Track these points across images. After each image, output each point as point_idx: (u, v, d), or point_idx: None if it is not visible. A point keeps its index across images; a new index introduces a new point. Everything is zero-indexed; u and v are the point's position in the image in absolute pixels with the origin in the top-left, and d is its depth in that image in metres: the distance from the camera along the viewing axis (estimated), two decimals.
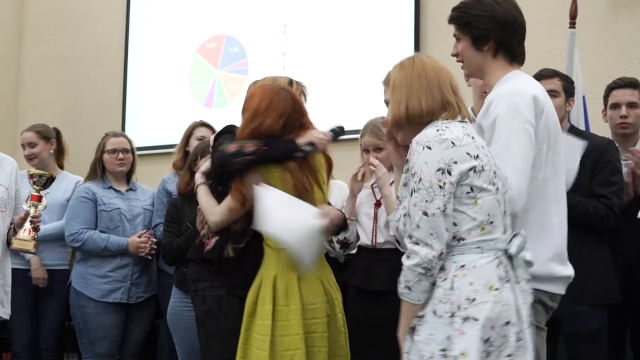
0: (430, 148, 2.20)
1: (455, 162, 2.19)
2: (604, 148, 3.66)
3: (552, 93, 3.55)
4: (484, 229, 2.20)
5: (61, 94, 7.46)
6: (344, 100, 6.12)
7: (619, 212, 3.55)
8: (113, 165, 4.71)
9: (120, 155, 4.72)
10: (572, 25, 4.79)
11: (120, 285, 4.56)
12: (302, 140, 2.95)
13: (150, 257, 4.60)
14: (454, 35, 2.69)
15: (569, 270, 2.62)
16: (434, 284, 2.20)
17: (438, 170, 2.18)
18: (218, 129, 5.05)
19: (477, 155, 2.23)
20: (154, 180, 4.95)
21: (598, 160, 3.59)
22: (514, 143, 2.40)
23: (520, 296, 2.21)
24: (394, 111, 2.37)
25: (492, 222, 2.21)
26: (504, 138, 2.40)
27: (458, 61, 2.72)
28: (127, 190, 4.78)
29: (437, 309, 2.17)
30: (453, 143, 2.21)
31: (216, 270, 3.16)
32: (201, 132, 4.82)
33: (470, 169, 2.19)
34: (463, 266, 2.18)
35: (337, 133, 3.20)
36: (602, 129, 4.38)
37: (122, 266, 4.58)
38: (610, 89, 4.16)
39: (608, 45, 5.30)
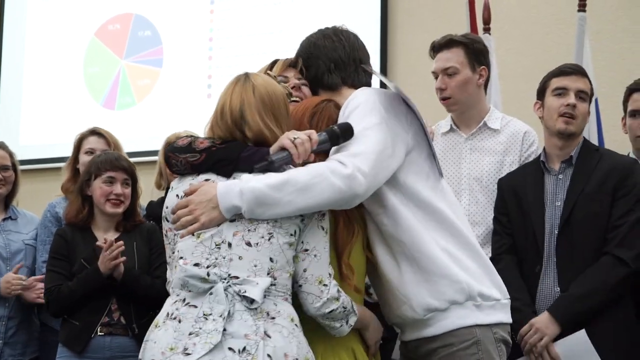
0: None
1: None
2: (628, 169, 3.74)
3: (581, 94, 3.76)
4: (175, 268, 2.66)
5: None
6: None
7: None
8: None
9: None
10: (582, 7, 4.88)
11: None
12: (275, 145, 2.84)
13: (36, 303, 4.53)
14: None
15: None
16: None
17: None
18: (117, 137, 5.09)
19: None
20: (37, 204, 4.89)
21: (621, 184, 3.67)
22: (368, 130, 2.81)
23: (186, 336, 2.53)
24: None
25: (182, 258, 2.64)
26: (358, 125, 2.81)
27: None
28: (4, 220, 4.73)
29: None
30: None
31: None
32: (91, 143, 4.78)
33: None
34: None
35: (335, 135, 2.78)
36: (620, 141, 4.46)
37: None
38: (630, 91, 4.23)
39: (626, 33, 5.42)
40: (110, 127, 4.99)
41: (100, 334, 3.96)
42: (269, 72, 3.21)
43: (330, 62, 3.11)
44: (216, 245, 2.60)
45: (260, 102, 2.75)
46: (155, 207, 4.51)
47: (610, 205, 3.62)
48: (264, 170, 2.68)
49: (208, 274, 2.56)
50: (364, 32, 6.00)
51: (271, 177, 2.62)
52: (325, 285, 2.64)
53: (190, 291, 2.58)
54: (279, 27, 6.38)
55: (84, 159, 4.67)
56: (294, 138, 2.68)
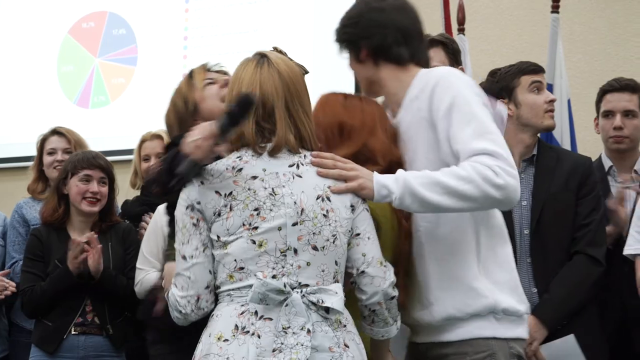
0: None
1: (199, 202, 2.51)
2: (589, 168, 3.79)
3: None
4: (232, 277, 2.47)
5: None
6: None
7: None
8: None
9: None
10: (555, 9, 4.89)
11: None
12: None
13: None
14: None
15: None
16: None
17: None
18: (87, 136, 5.09)
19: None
20: (6, 204, 4.87)
21: (584, 183, 3.71)
22: (489, 121, 2.62)
23: (269, 352, 2.37)
24: None
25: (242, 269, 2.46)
26: (477, 117, 2.61)
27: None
28: None
29: None
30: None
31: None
32: (52, 143, 4.78)
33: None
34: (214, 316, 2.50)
35: (235, 113, 2.54)
36: (592, 142, 4.51)
37: None
38: (603, 92, 4.26)
39: (600, 34, 5.47)
40: (84, 125, 5.00)
41: (74, 333, 3.97)
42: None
43: (399, 32, 2.83)
44: (281, 252, 2.43)
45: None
46: (131, 206, 4.51)
47: (575, 204, 3.66)
48: (181, 186, 2.57)
49: (285, 285, 2.39)
50: (329, 29, 6.01)
51: (420, 175, 2.52)
52: (385, 266, 2.52)
53: (267, 304, 2.40)
54: (254, 27, 6.38)
55: (47, 159, 4.71)
56: (191, 141, 2.53)
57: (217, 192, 2.48)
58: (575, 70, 5.24)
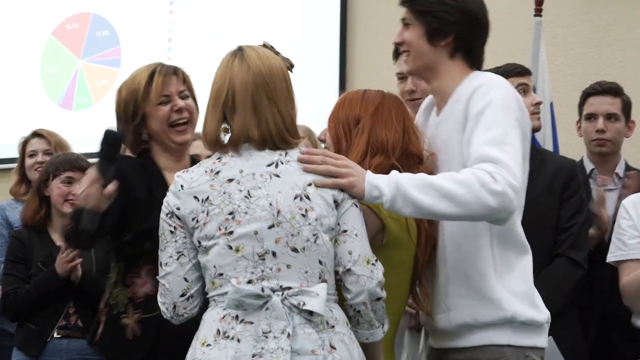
0: None
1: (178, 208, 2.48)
2: (573, 171, 3.80)
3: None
4: (214, 283, 2.45)
5: None
6: None
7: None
8: None
9: None
10: (538, 12, 4.91)
11: None
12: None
13: None
14: (403, 20, 2.77)
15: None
16: None
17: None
18: (71, 137, 5.05)
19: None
20: None
21: (568, 186, 3.73)
22: (512, 135, 2.55)
23: (249, 357, 2.34)
24: None
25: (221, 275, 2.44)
26: (502, 126, 2.54)
27: (403, 51, 2.79)
28: None
29: None
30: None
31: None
32: (33, 145, 4.79)
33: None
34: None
35: (105, 157, 2.64)
36: (574, 145, 4.52)
37: None
38: (586, 95, 4.29)
39: (582, 38, 5.49)
40: (68, 127, 5.01)
41: (57, 336, 3.95)
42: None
43: (485, 33, 2.76)
44: (259, 256, 2.39)
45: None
46: None
47: (558, 207, 3.67)
48: (90, 239, 2.66)
49: (262, 289, 2.35)
50: (323, 36, 6.07)
51: (415, 178, 2.47)
52: (373, 264, 2.44)
53: (245, 309, 2.37)
54: (238, 29, 6.37)
55: (28, 162, 4.73)
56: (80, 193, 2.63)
57: (195, 197, 2.45)
58: (557, 74, 5.25)
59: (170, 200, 2.49)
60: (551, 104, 4.75)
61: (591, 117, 4.22)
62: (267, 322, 2.34)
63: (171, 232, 2.48)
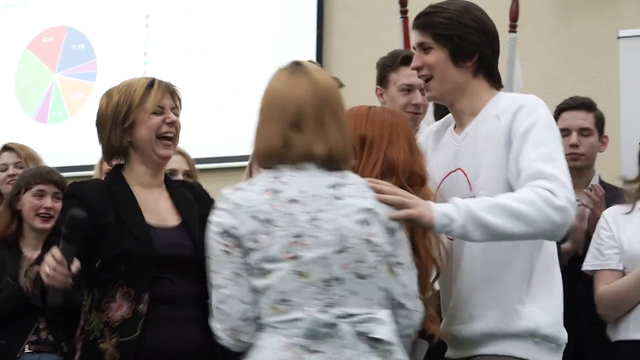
0: None
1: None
2: None
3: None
4: (276, 309, 2.33)
5: None
6: (224, 115, 6.17)
7: None
8: None
9: None
10: (513, 28, 4.96)
11: None
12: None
13: None
14: (421, 45, 2.81)
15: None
16: None
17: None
18: (46, 151, 5.04)
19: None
20: None
21: None
22: (559, 153, 2.65)
23: None
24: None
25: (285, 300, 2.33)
26: (550, 144, 2.64)
27: (422, 76, 2.82)
28: None
29: None
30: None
31: None
32: (4, 159, 4.76)
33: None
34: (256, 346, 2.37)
35: (68, 241, 2.68)
36: None
37: None
38: (559, 110, 4.31)
39: (556, 53, 5.53)
40: (43, 141, 4.99)
41: (28, 351, 3.92)
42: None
43: (498, 51, 2.86)
44: (326, 282, 2.30)
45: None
46: None
47: None
48: (53, 310, 2.67)
49: (335, 317, 2.30)
50: (299, 49, 6.06)
51: (479, 201, 2.50)
52: (420, 298, 2.45)
53: (318, 339, 2.28)
54: (215, 43, 6.39)
55: (0, 176, 4.69)
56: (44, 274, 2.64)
57: (253, 216, 2.33)
58: (532, 89, 5.22)
59: (223, 219, 2.36)
60: None
61: (565, 132, 4.24)
62: (335, 350, 2.28)
63: (226, 252, 2.34)
